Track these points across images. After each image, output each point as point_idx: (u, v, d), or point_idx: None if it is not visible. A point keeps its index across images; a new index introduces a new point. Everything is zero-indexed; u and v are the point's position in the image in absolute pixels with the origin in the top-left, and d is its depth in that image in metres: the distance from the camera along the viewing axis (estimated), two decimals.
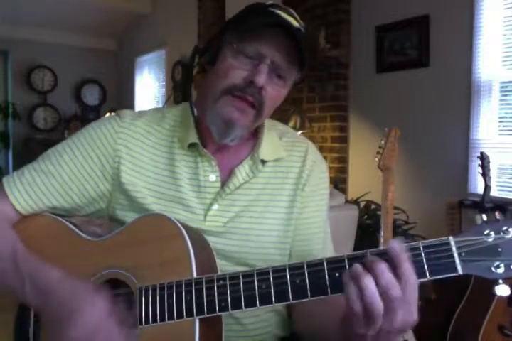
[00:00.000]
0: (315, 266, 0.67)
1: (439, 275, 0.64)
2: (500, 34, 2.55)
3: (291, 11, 0.88)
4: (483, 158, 2.15)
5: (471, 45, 2.65)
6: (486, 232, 0.63)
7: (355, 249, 2.04)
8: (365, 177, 3.25)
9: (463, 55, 2.69)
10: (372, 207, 2.71)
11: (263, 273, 0.69)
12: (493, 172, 2.42)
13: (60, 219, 0.89)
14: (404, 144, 2.52)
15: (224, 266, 0.85)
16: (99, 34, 6.22)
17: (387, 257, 0.63)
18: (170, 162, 0.91)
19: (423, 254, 0.64)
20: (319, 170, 0.99)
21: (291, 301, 0.68)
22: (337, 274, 0.66)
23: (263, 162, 0.93)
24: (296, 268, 0.68)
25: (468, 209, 2.53)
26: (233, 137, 0.87)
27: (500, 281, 0.63)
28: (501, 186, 2.58)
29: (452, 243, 0.63)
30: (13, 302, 0.82)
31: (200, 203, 0.89)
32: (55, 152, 0.92)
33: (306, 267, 0.68)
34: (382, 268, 0.62)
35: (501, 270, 0.62)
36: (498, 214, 0.64)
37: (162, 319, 0.72)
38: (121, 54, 6.48)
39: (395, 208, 2.09)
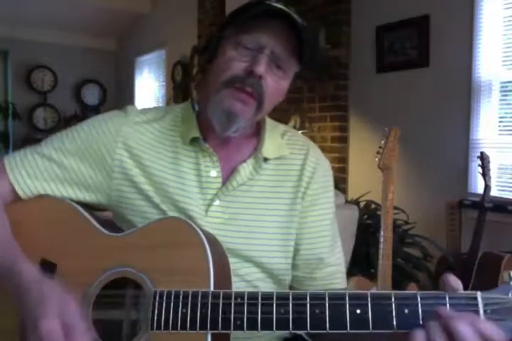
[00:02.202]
0: (337, 299, 0.66)
1: None
2: (500, 34, 2.55)
3: (289, 5, 0.88)
4: (483, 158, 2.15)
5: (471, 45, 2.65)
6: None
7: (355, 249, 2.04)
8: (365, 177, 3.25)
9: (463, 55, 2.69)
10: (373, 207, 2.70)
11: (283, 298, 0.67)
12: (493, 172, 2.41)
13: (75, 205, 0.88)
14: (404, 144, 2.52)
15: (231, 264, 0.84)
16: (99, 34, 6.22)
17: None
18: (174, 156, 0.91)
19: (448, 306, 0.62)
20: (323, 168, 0.98)
21: (308, 331, 0.66)
22: (358, 311, 0.64)
23: (266, 160, 0.93)
24: (317, 298, 0.66)
25: (468, 209, 2.53)
26: (236, 128, 0.87)
27: None
28: (501, 186, 2.58)
29: (479, 299, 0.62)
30: None
31: (202, 198, 0.89)
32: (59, 138, 0.93)
33: (327, 299, 0.66)
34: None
35: None
36: None
37: (174, 327, 0.71)
38: (121, 54, 6.48)
39: (395, 208, 2.09)
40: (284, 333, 0.96)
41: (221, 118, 0.86)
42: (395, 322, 0.63)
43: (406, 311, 0.63)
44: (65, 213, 0.88)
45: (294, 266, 0.95)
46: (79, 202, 0.91)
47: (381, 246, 1.78)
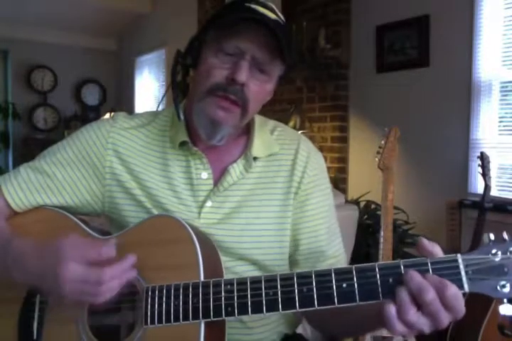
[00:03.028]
0: (323, 276, 0.67)
1: None
2: (500, 34, 2.55)
3: (269, 4, 0.87)
4: (483, 158, 2.14)
5: (471, 45, 2.65)
6: (493, 252, 0.63)
7: (355, 249, 2.04)
8: (365, 177, 3.25)
9: (463, 55, 2.69)
10: (372, 207, 2.70)
11: (271, 280, 0.69)
12: (493, 172, 2.41)
13: (67, 214, 0.90)
14: (404, 144, 2.52)
15: (226, 262, 0.85)
16: (99, 34, 6.22)
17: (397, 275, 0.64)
18: (163, 162, 0.92)
19: (431, 271, 0.64)
20: (315, 161, 0.98)
21: (297, 309, 0.67)
22: (344, 285, 0.66)
23: (255, 159, 0.93)
24: (304, 277, 0.68)
25: (468, 209, 2.53)
26: (220, 137, 0.87)
27: (505, 300, 0.63)
28: (501, 186, 2.58)
29: (460, 261, 0.63)
30: (20, 294, 0.83)
31: (194, 201, 0.90)
32: (51, 152, 0.95)
33: (314, 276, 0.67)
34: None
35: (507, 289, 0.62)
36: (505, 235, 0.64)
37: (168, 320, 0.72)
38: (121, 54, 6.48)
39: (395, 208, 2.09)
40: (284, 330, 0.96)
41: (206, 126, 0.87)
42: (380, 292, 0.65)
43: (390, 280, 0.65)
44: (59, 222, 0.89)
45: (295, 263, 0.95)
46: (72, 212, 0.92)
47: (381, 246, 1.78)
